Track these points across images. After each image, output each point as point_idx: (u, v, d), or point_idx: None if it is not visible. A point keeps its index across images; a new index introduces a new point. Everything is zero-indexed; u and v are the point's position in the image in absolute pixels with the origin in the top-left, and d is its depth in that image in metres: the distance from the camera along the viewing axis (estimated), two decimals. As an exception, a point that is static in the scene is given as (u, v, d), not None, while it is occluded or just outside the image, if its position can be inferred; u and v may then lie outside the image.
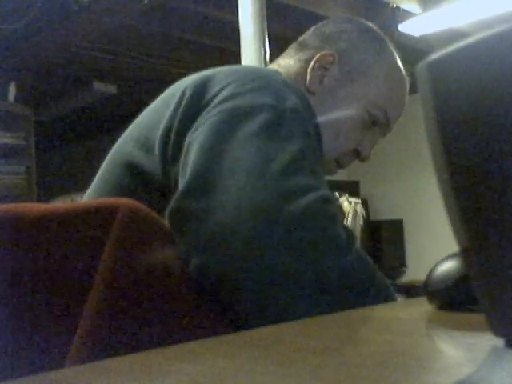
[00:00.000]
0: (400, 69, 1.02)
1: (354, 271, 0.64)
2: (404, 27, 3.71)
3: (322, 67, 0.97)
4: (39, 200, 4.18)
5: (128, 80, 4.55)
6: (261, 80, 0.76)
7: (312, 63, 0.97)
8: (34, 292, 0.65)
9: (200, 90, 0.75)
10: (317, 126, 0.78)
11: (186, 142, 0.70)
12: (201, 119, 0.71)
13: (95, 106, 5.06)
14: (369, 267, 0.67)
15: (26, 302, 0.65)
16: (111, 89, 4.69)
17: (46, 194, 4.42)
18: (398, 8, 3.62)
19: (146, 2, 3.15)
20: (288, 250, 0.59)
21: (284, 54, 1.04)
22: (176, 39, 3.92)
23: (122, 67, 4.32)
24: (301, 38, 1.04)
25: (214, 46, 3.98)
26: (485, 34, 0.24)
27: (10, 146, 4.06)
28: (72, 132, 6.11)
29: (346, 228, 0.67)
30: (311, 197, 0.62)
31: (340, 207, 1.26)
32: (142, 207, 0.61)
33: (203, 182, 0.62)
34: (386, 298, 0.68)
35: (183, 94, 0.76)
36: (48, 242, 0.65)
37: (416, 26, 3.70)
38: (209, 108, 0.72)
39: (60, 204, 0.72)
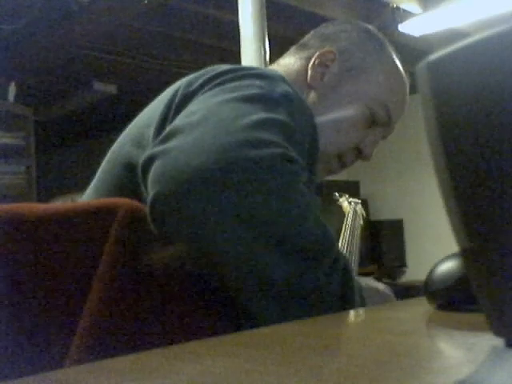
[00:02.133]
0: (400, 69, 1.02)
1: (306, 231, 0.60)
2: (404, 27, 3.70)
3: (323, 64, 0.98)
4: (39, 200, 4.18)
5: (128, 80, 4.55)
6: (254, 70, 0.77)
7: (312, 60, 0.98)
8: (34, 292, 0.65)
9: (193, 82, 0.76)
10: (312, 120, 0.77)
11: None
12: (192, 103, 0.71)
13: (95, 106, 5.05)
14: (326, 236, 0.63)
15: (26, 302, 0.65)
16: (111, 89, 4.68)
17: (46, 194, 4.42)
18: (397, 8, 3.62)
19: (146, 1, 3.15)
20: (237, 191, 0.57)
21: (284, 55, 1.05)
22: (176, 39, 3.92)
23: (122, 67, 4.32)
24: (301, 41, 1.05)
25: (214, 46, 3.98)
26: (485, 34, 0.24)
27: (10, 146, 4.06)
28: (72, 132, 6.11)
29: (312, 195, 0.65)
30: (275, 150, 0.59)
31: (340, 207, 1.27)
32: (142, 207, 0.61)
33: (173, 131, 0.62)
34: (344, 272, 0.64)
35: (177, 91, 0.77)
36: (48, 242, 0.65)
37: (416, 25, 3.70)
38: (200, 92, 0.73)
39: (60, 204, 0.72)
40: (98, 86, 4.61)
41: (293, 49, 1.04)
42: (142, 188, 0.63)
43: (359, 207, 1.26)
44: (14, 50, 3.82)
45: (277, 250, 0.59)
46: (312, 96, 0.96)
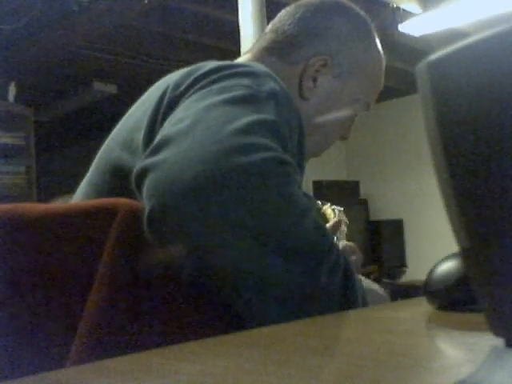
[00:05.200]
0: (381, 56, 1.04)
1: (306, 234, 0.60)
2: (404, 27, 3.71)
3: (314, 71, 0.97)
4: (39, 200, 4.18)
5: (128, 80, 4.55)
6: (241, 68, 0.76)
7: (306, 72, 0.96)
8: (34, 292, 0.65)
9: (180, 84, 0.75)
10: (299, 118, 0.76)
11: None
12: (179, 106, 0.71)
13: (95, 106, 5.05)
14: (325, 237, 0.63)
15: (26, 302, 0.65)
16: (111, 89, 4.68)
17: (46, 194, 4.42)
18: (398, 8, 3.62)
19: (146, 1, 3.15)
20: (233, 200, 0.57)
21: (267, 48, 0.98)
22: (176, 39, 3.92)
23: (122, 67, 4.32)
24: (285, 29, 0.98)
25: (214, 46, 3.98)
26: (485, 34, 0.24)
27: (9, 146, 4.06)
28: (72, 132, 6.11)
29: (306, 194, 0.65)
30: (268, 154, 0.59)
31: (323, 215, 1.27)
32: (142, 207, 0.61)
33: (164, 141, 0.62)
34: (345, 272, 0.64)
35: (164, 93, 0.76)
36: (48, 241, 0.65)
37: (416, 25, 3.70)
38: (187, 95, 0.72)
39: (60, 204, 0.72)
40: (98, 85, 4.61)
41: (275, 43, 0.98)
42: (136, 194, 0.63)
43: (342, 214, 1.27)
44: (14, 50, 3.82)
45: (277, 253, 0.59)
46: (306, 107, 0.95)
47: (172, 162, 0.59)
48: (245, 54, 1.03)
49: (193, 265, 0.60)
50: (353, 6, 1.03)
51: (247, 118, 0.63)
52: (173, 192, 0.57)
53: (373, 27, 1.03)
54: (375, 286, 0.86)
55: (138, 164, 0.62)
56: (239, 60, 0.98)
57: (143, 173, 0.61)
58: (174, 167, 0.58)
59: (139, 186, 0.61)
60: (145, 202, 0.60)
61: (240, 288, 0.60)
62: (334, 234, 1.16)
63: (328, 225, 1.19)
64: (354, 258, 1.03)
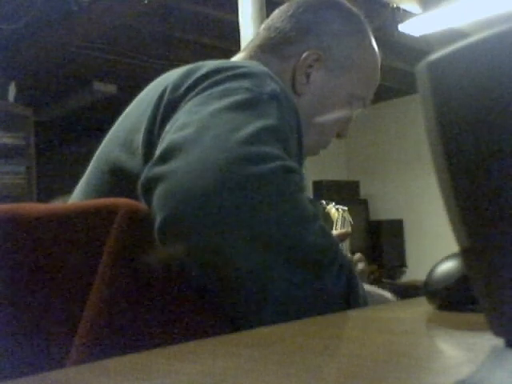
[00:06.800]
0: (376, 52, 1.04)
1: (315, 241, 0.61)
2: (404, 27, 3.71)
3: (308, 65, 0.97)
4: (39, 200, 4.18)
5: (128, 80, 4.55)
6: (240, 69, 0.76)
7: (299, 66, 0.97)
8: (34, 292, 0.65)
9: (179, 85, 0.75)
10: (298, 117, 0.77)
11: (164, 132, 0.70)
12: (180, 109, 0.71)
13: (95, 106, 5.05)
14: (332, 243, 0.65)
15: (26, 302, 0.65)
16: (111, 89, 4.68)
17: (46, 194, 4.42)
18: (398, 8, 3.62)
19: (146, 2, 3.16)
20: (246, 209, 0.58)
21: (261, 45, 1.00)
22: (176, 39, 3.92)
23: (122, 67, 4.32)
24: (278, 26, 1.00)
25: (214, 46, 3.98)
26: (485, 34, 0.24)
27: (10, 146, 4.06)
28: (72, 132, 6.11)
29: (311, 200, 0.65)
30: (276, 164, 0.61)
31: (328, 214, 1.27)
32: (142, 207, 0.61)
33: (171, 149, 0.62)
34: (349, 278, 0.65)
35: (163, 93, 0.76)
36: (48, 242, 0.65)
37: (416, 25, 3.71)
38: (188, 98, 0.72)
39: (60, 204, 0.72)
40: (97, 86, 4.61)
41: (269, 39, 1.00)
42: (133, 193, 0.63)
43: (347, 214, 1.27)
44: (14, 50, 3.82)
45: (288, 261, 0.60)
46: (299, 102, 0.95)
47: (182, 172, 0.59)
48: (239, 52, 1.04)
49: (201, 270, 0.60)
50: (345, 2, 1.04)
51: (252, 126, 0.63)
52: (185, 202, 0.58)
53: (366, 23, 1.03)
54: (387, 294, 0.86)
55: (146, 172, 0.62)
56: (235, 59, 0.99)
57: (153, 182, 0.61)
58: (185, 177, 0.59)
59: (148, 194, 0.61)
60: (155, 212, 0.60)
61: (248, 294, 0.60)
62: (342, 241, 1.15)
63: (335, 232, 1.19)
64: (360, 267, 1.04)
